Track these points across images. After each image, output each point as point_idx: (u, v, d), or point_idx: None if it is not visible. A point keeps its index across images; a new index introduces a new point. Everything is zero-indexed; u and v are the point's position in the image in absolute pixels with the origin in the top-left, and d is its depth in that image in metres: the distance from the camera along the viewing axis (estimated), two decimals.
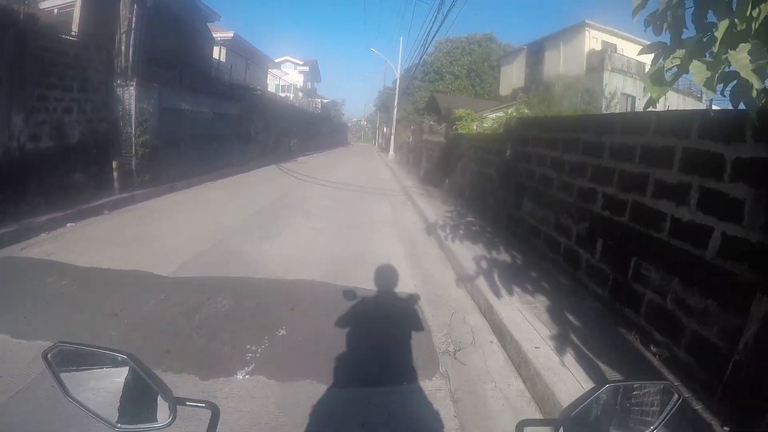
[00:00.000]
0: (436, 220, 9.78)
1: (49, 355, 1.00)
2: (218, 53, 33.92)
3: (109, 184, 11.68)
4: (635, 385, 1.10)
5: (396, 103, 34.32)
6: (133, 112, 12.52)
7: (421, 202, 12.15)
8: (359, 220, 10.20)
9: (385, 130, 68.10)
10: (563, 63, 34.24)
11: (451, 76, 39.99)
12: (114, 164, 11.91)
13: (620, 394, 1.08)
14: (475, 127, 20.55)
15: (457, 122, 21.25)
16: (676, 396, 1.06)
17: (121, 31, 12.77)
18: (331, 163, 28.06)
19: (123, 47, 12.69)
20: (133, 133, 12.56)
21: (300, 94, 50.44)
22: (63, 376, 1.02)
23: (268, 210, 10.95)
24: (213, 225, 9.05)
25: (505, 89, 40.61)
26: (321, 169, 22.84)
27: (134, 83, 12.45)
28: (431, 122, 22.70)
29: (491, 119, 22.14)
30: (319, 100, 57.56)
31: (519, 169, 8.20)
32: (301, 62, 57.07)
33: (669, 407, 1.06)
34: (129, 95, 12.46)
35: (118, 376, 1.05)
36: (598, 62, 31.50)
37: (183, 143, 15.56)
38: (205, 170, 16.66)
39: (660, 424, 1.07)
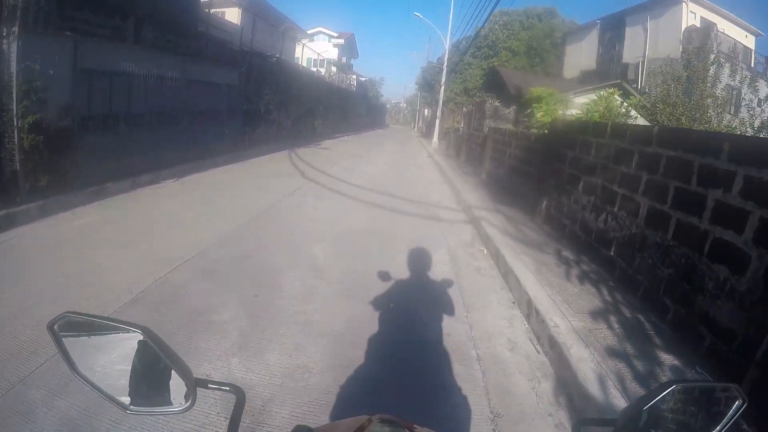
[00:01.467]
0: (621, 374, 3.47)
1: (55, 326, 0.88)
2: (234, 16, 28.09)
3: None
4: (699, 386, 1.02)
5: (443, 80, 27.72)
6: (14, 76, 6.90)
7: (518, 264, 5.62)
8: (382, 348, 3.80)
9: (426, 113, 61.26)
10: (651, 42, 27.19)
11: (508, 52, 33.01)
12: None
13: (683, 395, 0.95)
14: (561, 113, 14.19)
15: (533, 105, 14.89)
16: (740, 400, 0.94)
17: None
18: (360, 151, 21.82)
19: None
20: (15, 110, 6.93)
21: (333, 69, 44.20)
22: (70, 350, 0.90)
23: (192, 270, 4.88)
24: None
25: (570, 71, 33.67)
26: (345, 160, 16.79)
27: (15, 29, 6.86)
28: (496, 103, 16.32)
29: (580, 105, 15.68)
30: (354, 77, 51.17)
31: None
32: (335, 35, 50.54)
33: (732, 411, 0.94)
34: (10, 50, 6.89)
35: (132, 353, 0.91)
36: (700, 43, 24.43)
37: (127, 123, 9.90)
38: (170, 161, 11.01)
39: (724, 428, 0.94)
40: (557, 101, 14.94)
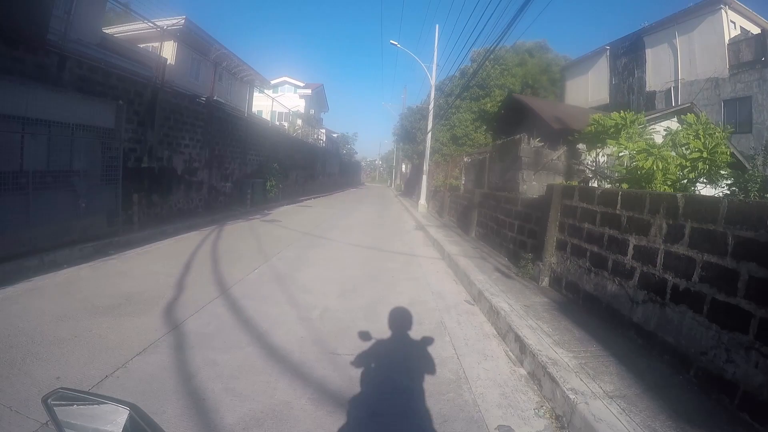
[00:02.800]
0: None
1: (49, 400, 0.93)
2: (169, 52, 21.91)
3: None
4: None
5: (430, 125, 21.25)
6: None
7: None
8: None
9: (404, 168, 55.16)
10: (684, 62, 21.59)
11: (501, 90, 27.27)
12: None
13: None
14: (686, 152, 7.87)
15: (607, 142, 8.61)
16: None
17: None
18: (323, 223, 15.22)
19: None
20: None
21: (299, 121, 38.15)
22: (63, 423, 0.93)
23: None
24: None
25: None
26: (291, 246, 10.10)
27: None
28: (537, 143, 9.85)
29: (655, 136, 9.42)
30: (323, 131, 45.14)
31: None
32: (302, 84, 44.71)
33: None
34: None
35: (120, 428, 0.93)
36: (754, 56, 18.83)
37: None
38: None
39: None
40: (639, 134, 8.66)
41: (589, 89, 27.33)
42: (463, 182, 15.05)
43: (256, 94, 41.36)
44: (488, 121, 25.31)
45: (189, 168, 14.13)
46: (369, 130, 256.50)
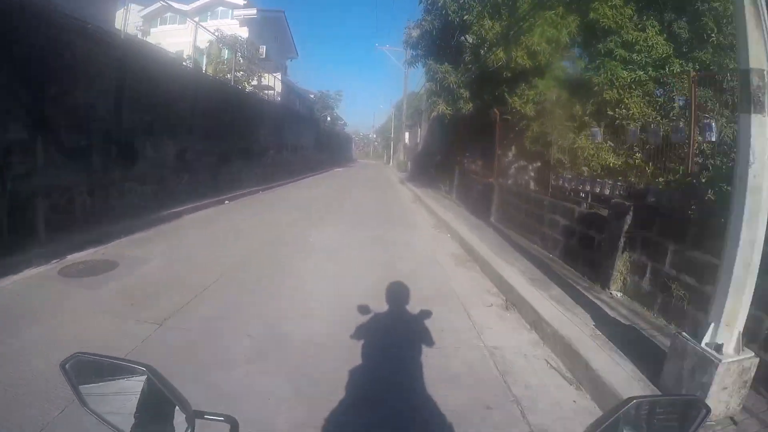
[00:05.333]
0: None
1: (67, 365, 0.93)
2: None
3: None
4: (661, 400, 1.01)
5: None
6: None
7: None
8: None
9: (407, 138, 39.18)
10: None
11: None
12: None
13: (645, 409, 0.92)
14: None
15: None
16: (703, 410, 0.92)
17: None
18: None
19: None
20: None
21: (240, 58, 21.98)
22: (81, 386, 0.94)
23: None
24: None
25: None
26: None
27: None
28: None
29: None
30: (277, 76, 28.48)
31: None
32: (242, 3, 28.44)
33: (696, 422, 0.92)
34: None
35: (136, 388, 0.96)
36: None
37: None
38: None
39: None
40: None
41: None
42: None
43: (174, 26, 25.60)
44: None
45: None
46: (360, 100, 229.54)
